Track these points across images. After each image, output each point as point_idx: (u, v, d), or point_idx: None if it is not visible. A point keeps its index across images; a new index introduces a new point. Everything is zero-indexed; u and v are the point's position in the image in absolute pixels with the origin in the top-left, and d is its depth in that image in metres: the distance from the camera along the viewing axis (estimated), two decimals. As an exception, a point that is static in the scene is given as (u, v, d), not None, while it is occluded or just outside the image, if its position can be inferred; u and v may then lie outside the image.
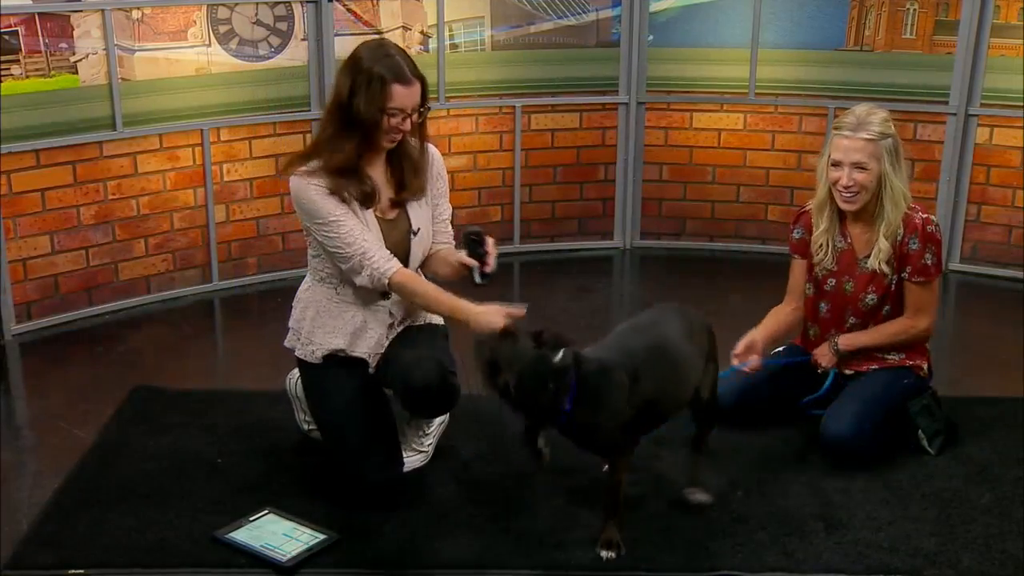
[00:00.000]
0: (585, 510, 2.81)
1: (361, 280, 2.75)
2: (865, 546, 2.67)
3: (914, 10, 4.57)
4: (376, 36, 2.78)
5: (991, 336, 4.05)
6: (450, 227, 3.00)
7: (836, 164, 3.00)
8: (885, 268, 3.04)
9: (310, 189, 2.72)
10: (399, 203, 2.84)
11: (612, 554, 2.61)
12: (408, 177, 2.82)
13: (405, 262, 2.85)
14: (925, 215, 3.04)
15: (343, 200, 2.74)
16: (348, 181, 2.74)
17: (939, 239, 3.06)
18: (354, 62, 2.69)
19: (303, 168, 2.76)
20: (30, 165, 3.98)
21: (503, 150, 4.89)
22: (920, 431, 3.10)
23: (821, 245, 3.12)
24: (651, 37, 4.86)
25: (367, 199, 2.76)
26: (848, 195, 3.00)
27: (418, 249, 2.87)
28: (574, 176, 5.02)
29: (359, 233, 2.73)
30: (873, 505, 2.84)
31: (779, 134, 4.88)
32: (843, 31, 4.70)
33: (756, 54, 4.78)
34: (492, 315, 2.57)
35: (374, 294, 2.85)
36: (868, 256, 3.06)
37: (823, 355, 3.15)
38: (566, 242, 5.05)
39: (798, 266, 3.24)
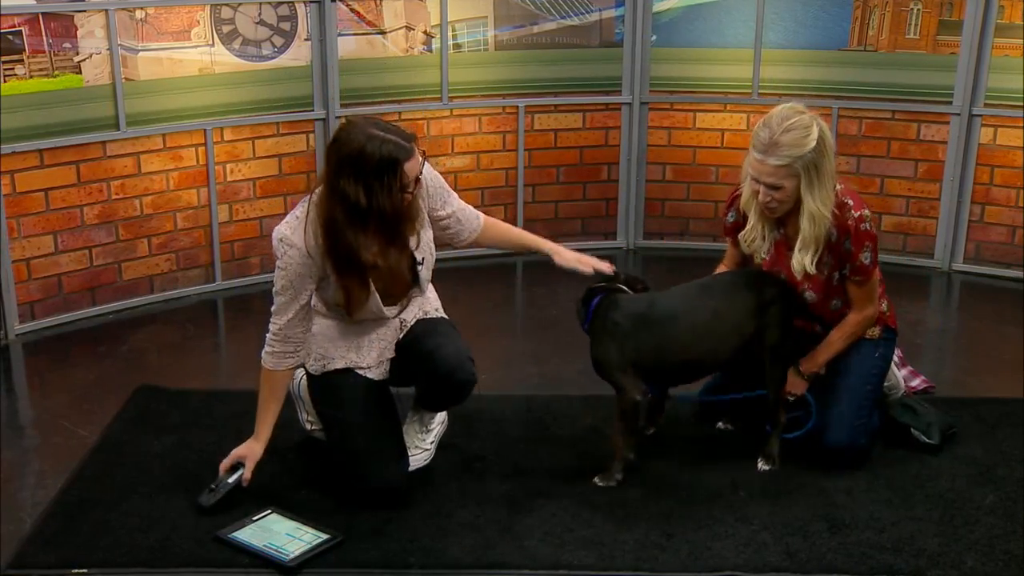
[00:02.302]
0: (587, 510, 2.81)
1: None
2: (868, 547, 2.67)
3: (918, 10, 4.57)
4: (349, 123, 2.70)
5: (994, 336, 4.04)
6: (468, 207, 2.98)
7: (754, 178, 2.86)
8: (812, 270, 2.92)
9: (288, 260, 2.68)
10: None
11: (602, 482, 2.92)
12: (401, 264, 2.78)
13: (415, 284, 2.87)
14: (858, 213, 2.88)
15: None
16: (355, 289, 2.72)
17: (874, 235, 2.91)
18: (353, 164, 2.55)
19: (304, 222, 2.68)
20: (34, 165, 3.99)
21: (506, 150, 4.89)
22: (912, 430, 3.10)
23: (755, 239, 3.00)
24: (654, 37, 4.86)
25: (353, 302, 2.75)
26: (767, 209, 2.91)
27: (426, 273, 2.88)
28: (577, 176, 5.02)
29: (279, 315, 2.75)
30: (876, 506, 2.84)
31: (782, 134, 4.87)
32: (847, 31, 4.69)
33: (759, 54, 4.78)
34: (234, 455, 2.83)
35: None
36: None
37: (792, 384, 3.04)
38: (569, 242, 4.97)
39: (734, 251, 3.14)
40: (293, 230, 2.69)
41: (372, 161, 2.54)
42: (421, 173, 2.68)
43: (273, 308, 2.78)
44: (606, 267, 2.96)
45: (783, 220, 2.99)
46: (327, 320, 2.89)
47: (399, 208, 2.63)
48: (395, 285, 2.83)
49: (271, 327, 2.79)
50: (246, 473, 2.79)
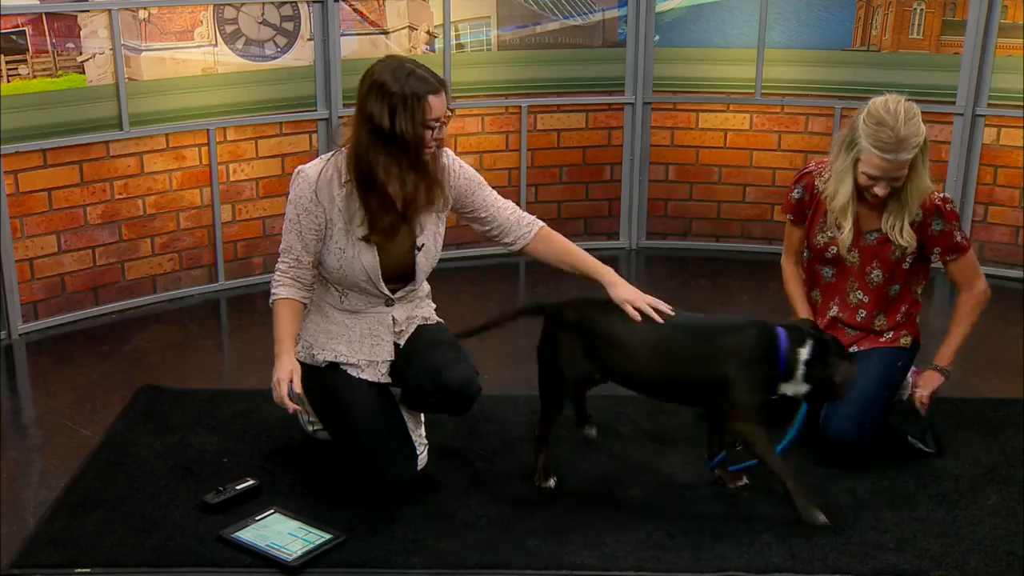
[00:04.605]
0: (590, 510, 2.82)
1: None
2: (871, 547, 2.66)
3: (921, 10, 4.56)
4: (387, 57, 2.80)
5: (998, 337, 4.03)
6: (520, 212, 3.02)
7: (871, 176, 2.87)
8: (901, 239, 2.95)
9: (297, 190, 2.76)
10: (405, 218, 2.82)
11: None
12: (419, 192, 2.77)
13: (411, 275, 2.86)
14: (941, 195, 2.99)
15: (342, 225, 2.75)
16: (376, 210, 2.74)
17: (958, 214, 3.03)
18: (381, 87, 2.64)
19: (327, 162, 2.76)
20: (37, 165, 3.99)
21: (509, 150, 4.89)
22: (909, 437, 3.10)
23: (841, 231, 3.00)
24: (657, 37, 4.86)
25: (372, 233, 2.76)
26: (876, 197, 2.92)
27: (424, 263, 2.87)
28: (580, 176, 5.02)
29: (288, 255, 2.79)
30: (879, 506, 2.84)
31: (785, 134, 4.88)
32: (850, 31, 4.69)
33: (763, 54, 4.78)
34: (280, 380, 2.71)
35: (378, 302, 2.86)
36: (874, 230, 3.00)
37: (931, 383, 3.03)
38: (572, 242, 5.04)
39: (794, 230, 3.17)
40: (312, 165, 2.79)
41: (398, 87, 2.63)
42: (446, 117, 2.71)
43: (281, 247, 2.83)
44: (665, 308, 2.80)
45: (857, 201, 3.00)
46: (320, 309, 2.88)
47: (420, 140, 2.68)
48: (397, 256, 2.82)
49: (279, 266, 2.82)
50: (296, 386, 2.71)
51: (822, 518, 2.72)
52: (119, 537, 2.70)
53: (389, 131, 2.63)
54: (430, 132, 2.68)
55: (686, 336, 2.74)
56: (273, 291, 2.83)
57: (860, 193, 2.97)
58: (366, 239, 2.76)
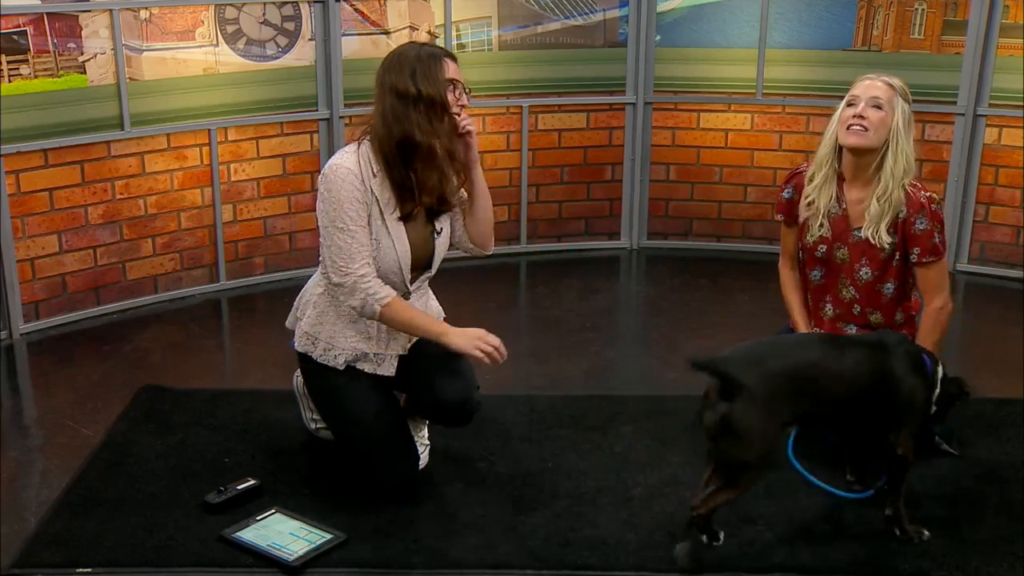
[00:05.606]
0: (591, 510, 2.82)
1: (352, 302, 2.73)
2: (872, 547, 2.66)
3: (922, 10, 4.56)
4: (396, 47, 2.84)
5: (999, 337, 4.04)
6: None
7: (852, 102, 2.94)
8: (885, 238, 2.94)
9: (347, 185, 2.70)
10: (435, 211, 2.84)
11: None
12: (449, 190, 2.82)
13: (429, 262, 2.87)
14: (928, 194, 2.97)
15: (372, 206, 2.73)
16: (423, 167, 2.73)
17: (943, 218, 2.99)
18: (397, 61, 2.73)
19: (356, 154, 2.74)
20: (38, 164, 3.99)
21: (510, 150, 4.89)
22: (937, 436, 3.09)
23: (812, 201, 3.00)
24: (658, 37, 4.86)
25: (407, 215, 2.77)
26: (858, 127, 2.91)
27: (441, 249, 2.89)
28: (581, 176, 5.02)
29: (365, 254, 2.72)
30: (881, 506, 2.83)
31: (786, 134, 4.88)
32: (851, 31, 4.69)
33: (764, 54, 4.78)
34: (470, 337, 2.74)
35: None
36: (861, 228, 2.98)
37: None
38: (573, 242, 5.05)
39: (788, 232, 3.15)
40: (344, 157, 2.76)
41: (415, 54, 2.75)
42: (464, 86, 2.77)
43: (345, 255, 2.70)
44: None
45: (843, 195, 2.99)
46: (335, 307, 2.83)
47: (444, 98, 2.72)
48: (420, 241, 2.82)
49: (360, 271, 2.70)
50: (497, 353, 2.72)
51: (926, 533, 2.69)
52: (120, 537, 2.70)
53: (415, 94, 2.69)
54: (452, 95, 2.73)
55: (868, 355, 2.60)
56: (377, 296, 2.70)
57: (842, 178, 2.97)
58: (403, 218, 2.76)
